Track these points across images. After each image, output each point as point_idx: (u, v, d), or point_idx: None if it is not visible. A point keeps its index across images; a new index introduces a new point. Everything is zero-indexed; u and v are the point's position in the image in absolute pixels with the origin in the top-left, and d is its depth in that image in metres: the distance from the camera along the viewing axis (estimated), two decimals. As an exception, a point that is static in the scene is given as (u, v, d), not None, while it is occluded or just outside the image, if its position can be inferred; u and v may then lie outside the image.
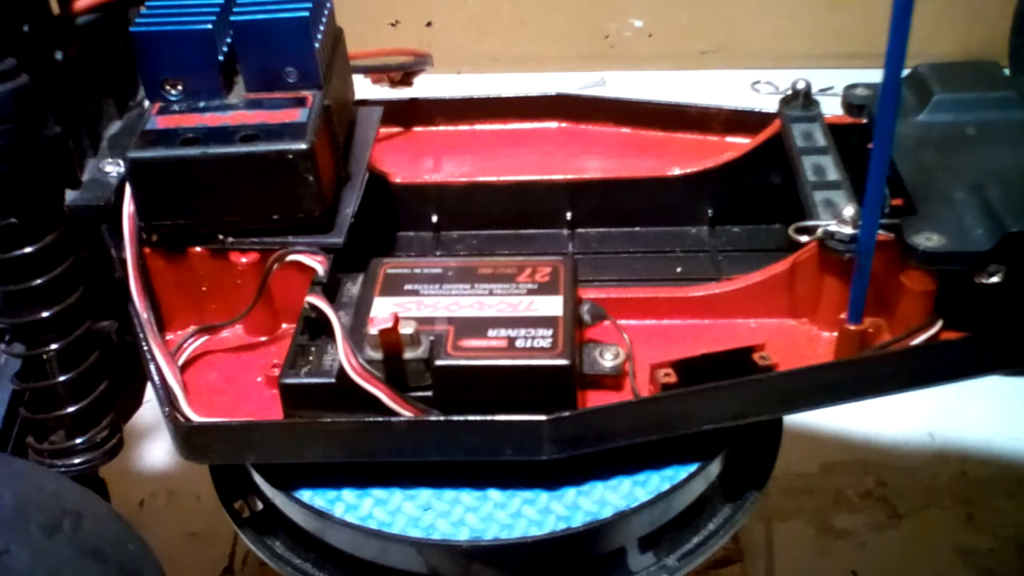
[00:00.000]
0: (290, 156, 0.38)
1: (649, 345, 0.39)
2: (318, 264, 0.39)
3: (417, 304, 0.37)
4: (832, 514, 0.66)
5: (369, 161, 0.44)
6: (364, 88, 0.49)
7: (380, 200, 0.42)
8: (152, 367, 0.39)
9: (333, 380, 0.35)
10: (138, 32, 0.40)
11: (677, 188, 0.46)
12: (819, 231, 0.38)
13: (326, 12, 0.43)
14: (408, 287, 0.38)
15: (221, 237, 0.40)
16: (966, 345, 0.37)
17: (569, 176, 0.46)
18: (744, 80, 1.07)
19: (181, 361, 0.40)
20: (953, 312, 0.37)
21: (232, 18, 0.40)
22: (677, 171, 0.46)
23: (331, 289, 0.38)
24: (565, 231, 0.47)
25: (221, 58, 0.41)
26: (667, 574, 0.38)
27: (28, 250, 0.38)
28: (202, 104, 0.40)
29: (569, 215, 0.47)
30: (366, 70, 0.49)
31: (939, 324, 0.37)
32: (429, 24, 1.12)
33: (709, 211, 0.46)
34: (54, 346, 0.39)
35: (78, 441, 0.41)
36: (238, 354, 0.41)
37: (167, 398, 0.38)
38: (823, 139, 0.43)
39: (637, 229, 0.47)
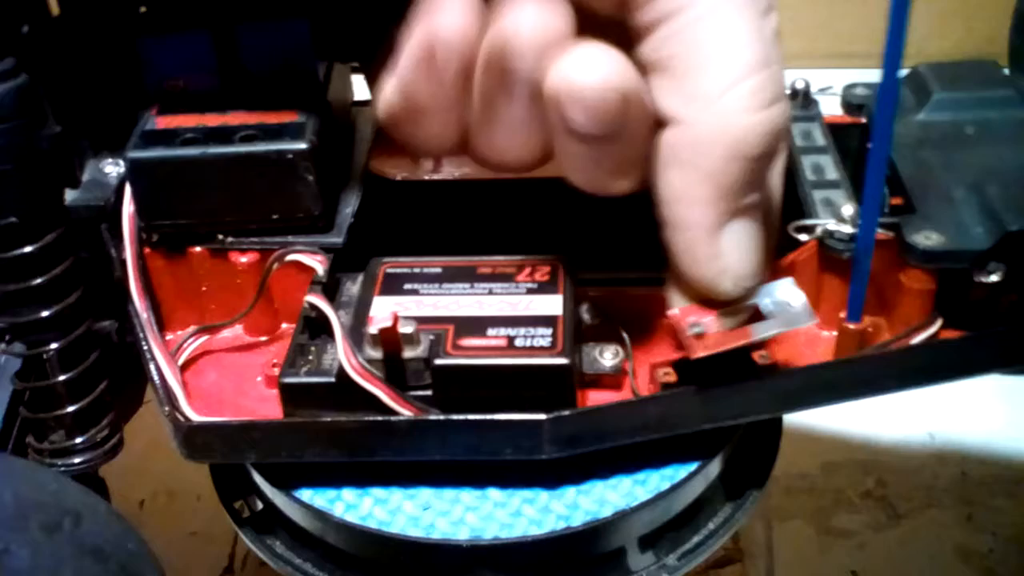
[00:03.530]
0: (290, 156, 0.38)
1: (649, 344, 0.39)
2: (318, 264, 0.39)
3: (417, 303, 0.37)
4: (832, 514, 0.66)
5: (369, 161, 0.44)
6: (364, 88, 0.48)
7: (380, 199, 0.43)
8: (152, 367, 0.39)
9: (333, 379, 0.35)
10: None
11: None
12: (818, 230, 0.38)
13: (326, 12, 0.43)
14: (408, 286, 0.38)
15: (221, 237, 0.40)
16: (966, 344, 0.37)
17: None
18: (744, 80, 1.07)
19: (181, 361, 0.40)
20: (953, 311, 0.37)
21: (232, 18, 0.40)
22: (677, 171, 0.46)
23: (331, 289, 0.38)
24: (565, 229, 0.47)
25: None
26: (667, 573, 0.38)
27: (28, 249, 0.38)
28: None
29: (569, 214, 0.47)
30: (366, 70, 0.49)
31: (939, 323, 0.37)
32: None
33: (709, 210, 0.46)
34: (54, 346, 0.40)
35: (78, 441, 0.41)
36: (238, 354, 0.41)
37: (167, 398, 0.38)
38: (822, 138, 0.43)
39: (637, 228, 0.47)
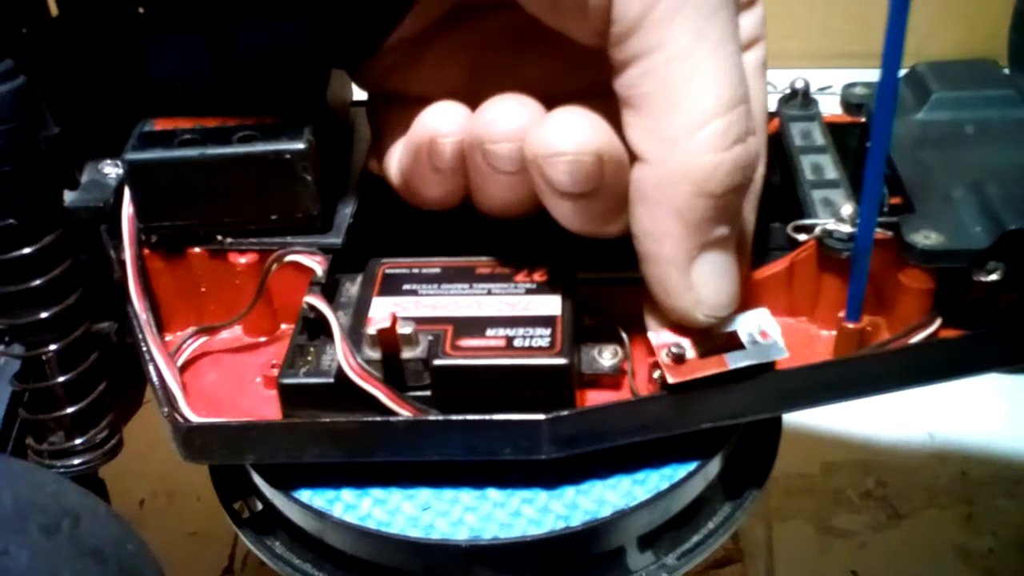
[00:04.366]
0: (287, 156, 0.38)
1: (648, 344, 0.38)
2: (317, 264, 0.39)
3: (415, 304, 0.37)
4: (832, 514, 0.66)
5: (367, 161, 0.44)
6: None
7: (379, 200, 0.43)
8: (151, 368, 0.39)
9: (331, 380, 0.35)
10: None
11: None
12: (817, 230, 0.38)
13: (324, 13, 0.43)
14: (406, 287, 0.38)
15: (220, 238, 0.40)
16: (965, 343, 0.37)
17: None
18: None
19: (180, 362, 0.40)
20: (952, 310, 0.37)
21: (230, 19, 0.40)
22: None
23: (330, 289, 0.38)
24: (563, 230, 0.47)
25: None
26: (666, 573, 0.38)
27: (27, 251, 0.38)
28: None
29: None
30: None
31: (938, 322, 0.37)
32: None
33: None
34: (53, 347, 0.40)
35: (77, 442, 0.41)
36: (237, 354, 0.41)
37: (166, 399, 0.38)
38: (821, 138, 0.43)
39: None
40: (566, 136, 0.33)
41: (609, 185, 0.34)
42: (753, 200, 0.37)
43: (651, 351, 0.36)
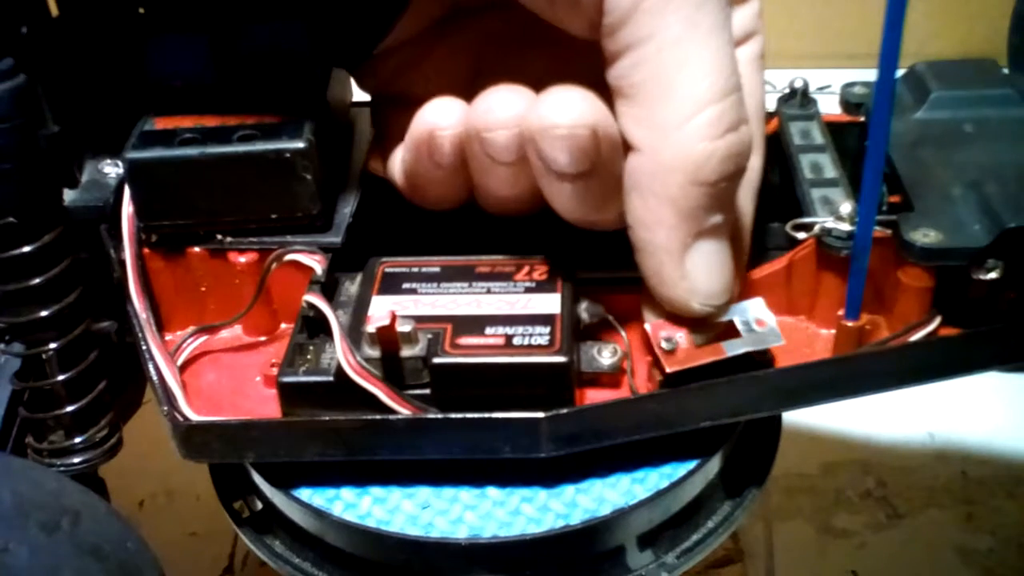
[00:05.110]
0: (287, 155, 0.38)
1: (647, 343, 0.38)
2: (316, 263, 0.39)
3: (415, 302, 0.38)
4: (832, 514, 0.66)
5: (367, 160, 0.44)
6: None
7: (378, 199, 0.43)
8: (151, 367, 0.39)
9: (331, 378, 0.35)
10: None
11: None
12: (816, 228, 0.38)
13: (324, 12, 0.43)
14: (406, 285, 0.38)
15: (220, 237, 0.40)
16: (964, 341, 0.37)
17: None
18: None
19: (180, 361, 0.40)
20: (951, 308, 0.37)
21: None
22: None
23: (329, 288, 0.38)
24: (563, 228, 0.47)
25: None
26: (666, 572, 0.38)
27: (26, 249, 0.38)
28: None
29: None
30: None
31: (937, 320, 0.37)
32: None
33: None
34: (53, 345, 0.40)
35: (77, 440, 0.41)
36: (237, 353, 0.41)
37: (166, 397, 0.38)
38: (820, 137, 0.43)
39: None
40: (562, 110, 0.33)
41: (605, 164, 0.34)
42: (750, 190, 0.38)
43: (650, 348, 0.36)
